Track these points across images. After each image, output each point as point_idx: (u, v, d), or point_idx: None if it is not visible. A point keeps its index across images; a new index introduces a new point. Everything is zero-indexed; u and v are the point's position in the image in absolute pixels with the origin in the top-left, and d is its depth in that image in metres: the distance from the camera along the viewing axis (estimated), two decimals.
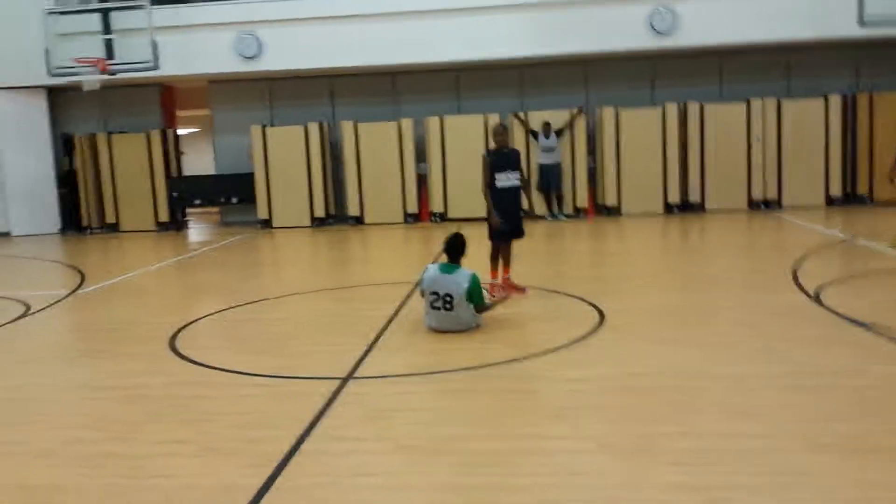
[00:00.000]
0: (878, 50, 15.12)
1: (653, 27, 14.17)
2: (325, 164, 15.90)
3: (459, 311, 6.36)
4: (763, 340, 5.98)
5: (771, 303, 7.27)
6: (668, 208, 15.19)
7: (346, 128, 15.63)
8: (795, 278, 8.22)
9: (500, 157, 7.86)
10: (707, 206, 15.10)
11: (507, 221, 7.78)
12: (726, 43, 14.41)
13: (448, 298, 6.34)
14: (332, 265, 11.78)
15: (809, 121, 14.84)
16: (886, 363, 5.30)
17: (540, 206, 14.88)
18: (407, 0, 14.72)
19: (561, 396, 4.98)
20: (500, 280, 7.95)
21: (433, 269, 6.58)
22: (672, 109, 15.01)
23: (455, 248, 6.63)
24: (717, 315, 6.96)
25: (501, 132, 7.94)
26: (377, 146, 15.60)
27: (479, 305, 6.45)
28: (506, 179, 7.79)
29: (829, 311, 6.77)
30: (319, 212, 15.86)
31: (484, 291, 6.72)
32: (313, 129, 15.70)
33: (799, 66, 15.60)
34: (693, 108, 14.98)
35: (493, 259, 7.98)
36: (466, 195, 15.36)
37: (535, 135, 15.02)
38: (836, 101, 14.80)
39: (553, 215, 15.11)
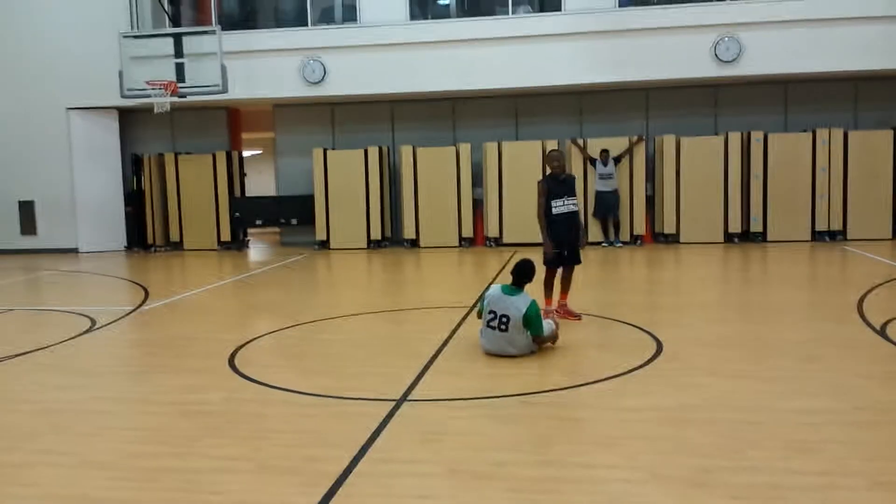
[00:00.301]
0: None
1: (717, 55, 14.05)
2: (383, 187, 16.10)
3: (514, 333, 6.35)
4: (827, 374, 5.82)
5: (835, 336, 7.08)
6: (729, 237, 14.93)
7: (405, 152, 15.82)
8: (861, 311, 7.99)
9: (556, 183, 7.83)
10: (769, 236, 14.80)
11: (563, 247, 7.75)
12: (791, 72, 14.20)
13: (504, 320, 6.33)
14: (387, 287, 11.89)
15: (876, 152, 14.47)
16: None
17: (597, 233, 14.82)
18: (467, 28, 14.94)
19: (613, 425, 4.92)
20: (554, 306, 7.91)
21: (495, 289, 6.57)
22: (735, 138, 14.80)
23: (522, 273, 6.54)
24: (779, 347, 6.80)
25: (558, 157, 7.91)
26: (435, 170, 15.74)
27: (536, 336, 6.41)
28: (563, 206, 7.76)
29: (894, 346, 6.55)
30: (376, 234, 16.04)
31: (548, 324, 6.67)
32: (373, 152, 15.93)
33: (866, 97, 15.25)
34: (756, 137, 14.74)
35: (547, 286, 7.95)
36: (522, 220, 15.36)
37: (592, 161, 14.98)
38: None
39: (609, 242, 15.00)
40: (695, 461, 4.23)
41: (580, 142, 15.15)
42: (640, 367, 6.14)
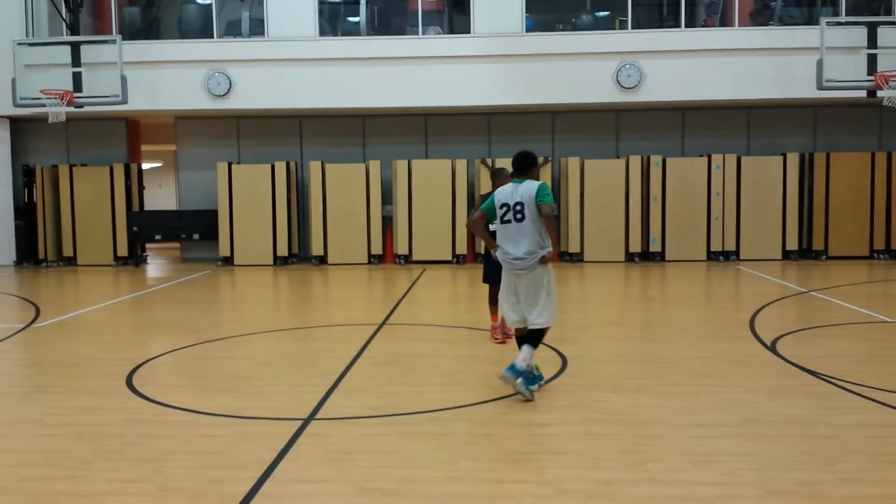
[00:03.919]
0: (836, 111, 15.71)
1: (619, 82, 14.55)
2: (291, 202, 15.90)
3: (529, 222, 5.92)
4: (720, 389, 6.07)
5: (729, 352, 7.40)
6: (630, 257, 15.43)
7: (314, 168, 15.68)
8: (753, 328, 8.39)
9: None
10: (667, 255, 15.37)
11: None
12: (689, 99, 14.85)
13: (518, 207, 5.96)
14: (294, 304, 11.71)
15: (768, 177, 15.28)
16: (839, 414, 5.42)
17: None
18: (377, 46, 14.99)
19: (521, 441, 5.00)
20: (500, 322, 7.87)
21: (504, 187, 6.21)
22: (635, 161, 15.35)
23: (523, 161, 6.18)
24: (676, 364, 7.06)
25: (505, 175, 7.60)
26: (344, 187, 15.66)
27: (543, 204, 5.88)
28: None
29: (785, 362, 6.91)
30: (283, 250, 15.80)
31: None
32: (280, 167, 15.72)
33: (759, 125, 16.11)
34: (655, 161, 15.33)
35: (492, 303, 7.97)
36: (431, 238, 15.50)
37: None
38: (793, 159, 15.28)
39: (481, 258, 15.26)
40: (598, 474, 4.34)
41: (489, 161, 15.37)
42: (546, 382, 6.24)
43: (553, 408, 5.66)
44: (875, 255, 15.20)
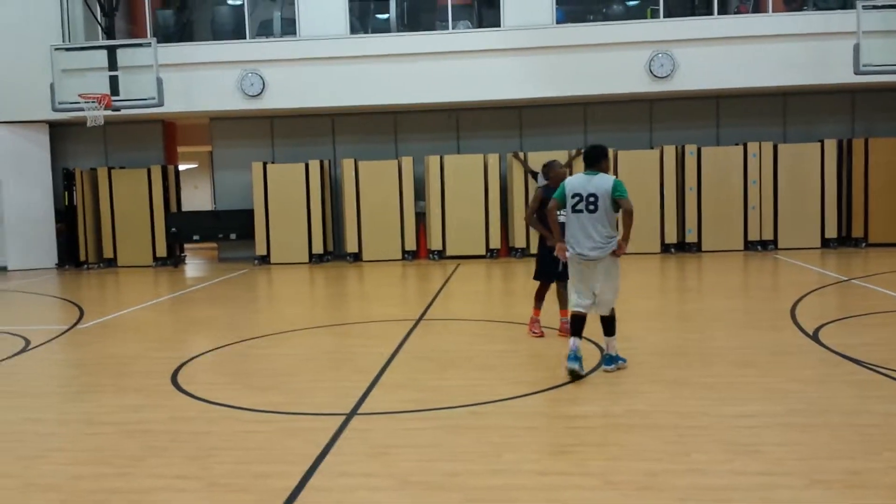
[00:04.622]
0: (873, 96, 15.41)
1: (651, 71, 14.43)
2: (325, 200, 16.02)
3: (602, 214, 6.13)
4: (763, 379, 6.02)
5: (770, 342, 7.32)
6: (665, 248, 15.30)
7: (347, 165, 15.78)
8: (794, 318, 8.29)
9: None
10: (704, 246, 15.22)
11: (558, 262, 7.17)
12: (723, 87, 14.67)
13: (592, 199, 6.13)
14: (330, 302, 11.82)
15: (805, 164, 15.05)
16: (884, 402, 5.34)
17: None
18: (407, 42, 15.02)
19: (563, 433, 5.00)
20: (539, 320, 7.87)
21: (575, 176, 6.35)
22: (670, 151, 15.21)
23: (596, 154, 6.33)
24: (718, 354, 7.00)
25: (558, 166, 7.64)
26: (377, 184, 15.74)
27: (621, 198, 6.10)
28: (562, 216, 7.60)
29: (827, 350, 6.82)
30: (318, 248, 15.93)
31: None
32: (314, 166, 15.85)
33: (796, 111, 15.86)
34: (690, 151, 15.18)
35: (538, 298, 7.91)
36: (465, 232, 15.53)
37: (534, 175, 15.14)
38: (831, 146, 15.03)
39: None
40: (643, 465, 4.33)
41: (521, 155, 15.35)
42: (586, 375, 6.24)
43: (594, 400, 5.66)
44: None
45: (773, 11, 14.68)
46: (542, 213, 7.17)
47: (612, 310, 6.43)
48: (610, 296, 6.35)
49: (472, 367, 6.83)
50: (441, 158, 15.64)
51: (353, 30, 15.46)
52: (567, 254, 6.38)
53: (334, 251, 16.49)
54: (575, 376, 6.11)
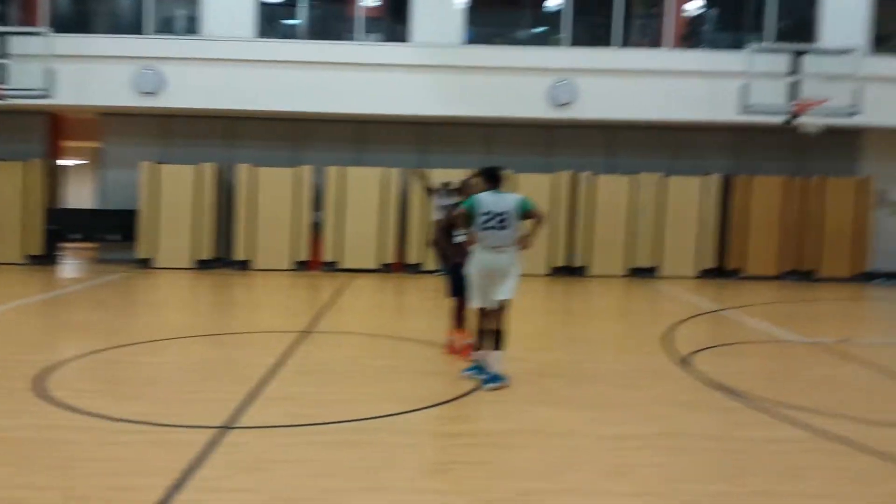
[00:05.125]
0: (757, 135, 16.29)
1: (553, 98, 14.78)
2: (217, 205, 15.58)
3: (510, 230, 6.49)
4: (636, 402, 6.20)
5: (646, 366, 7.56)
6: (553, 271, 15.67)
7: (242, 171, 15.42)
8: (671, 343, 8.60)
9: None
10: (590, 271, 15.66)
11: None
12: (619, 119, 15.20)
13: (502, 217, 6.46)
14: (215, 309, 11.46)
15: (690, 196, 15.74)
16: (748, 428, 5.59)
17: (433, 262, 15.02)
18: (315, 50, 14.86)
19: (442, 451, 5.00)
20: (456, 341, 7.71)
21: (484, 195, 6.60)
22: (565, 177, 15.61)
23: (500, 175, 6.74)
24: (594, 376, 7.18)
25: (475, 185, 7.44)
26: (274, 191, 15.44)
27: (531, 211, 6.55)
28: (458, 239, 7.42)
29: (700, 376, 7.11)
30: (205, 254, 15.46)
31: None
32: (207, 169, 15.40)
33: (685, 145, 16.57)
34: (584, 178, 15.62)
35: (457, 317, 7.79)
36: (360, 246, 15.42)
37: (430, 192, 15.22)
38: (715, 181, 15.78)
39: (446, 270, 15.25)
40: (517, 484, 4.37)
41: (426, 172, 15.36)
42: (466, 394, 6.27)
43: (478, 419, 5.69)
44: (785, 275, 15.84)
45: (671, 47, 15.34)
46: (450, 232, 7.52)
47: (504, 323, 6.57)
48: (508, 285, 6.58)
49: (357, 381, 6.75)
50: (341, 170, 15.50)
51: (263, 33, 15.16)
52: (473, 269, 6.62)
53: (223, 258, 16.03)
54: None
